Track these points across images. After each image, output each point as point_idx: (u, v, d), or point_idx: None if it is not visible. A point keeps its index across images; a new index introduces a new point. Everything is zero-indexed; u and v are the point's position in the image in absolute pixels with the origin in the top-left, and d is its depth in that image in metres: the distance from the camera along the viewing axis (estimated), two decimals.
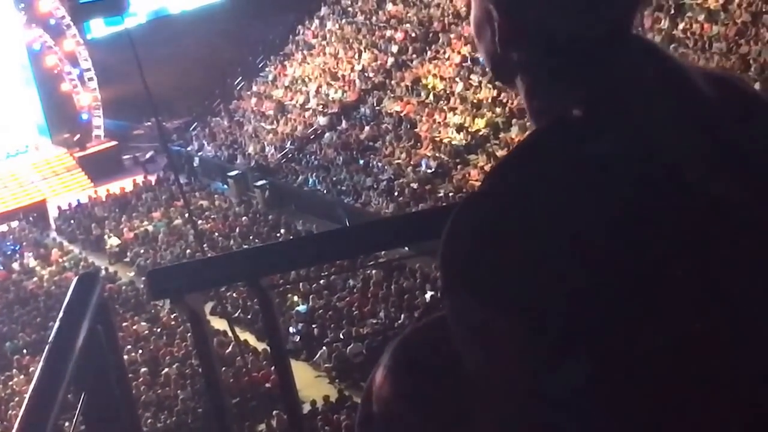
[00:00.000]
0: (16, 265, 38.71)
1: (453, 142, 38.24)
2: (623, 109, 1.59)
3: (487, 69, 1.79)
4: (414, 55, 44.13)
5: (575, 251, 1.51)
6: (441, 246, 1.59)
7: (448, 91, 40.88)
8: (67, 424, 2.83)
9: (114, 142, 50.81)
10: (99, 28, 51.58)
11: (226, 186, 43.30)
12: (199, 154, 47.22)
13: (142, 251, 37.62)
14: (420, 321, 1.83)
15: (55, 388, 2.52)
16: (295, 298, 29.75)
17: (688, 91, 1.64)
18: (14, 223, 43.61)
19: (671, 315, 1.50)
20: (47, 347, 2.70)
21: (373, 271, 29.92)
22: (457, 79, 40.80)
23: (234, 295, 30.10)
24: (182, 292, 3.26)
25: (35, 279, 36.82)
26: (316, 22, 50.34)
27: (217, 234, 37.02)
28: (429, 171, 37.45)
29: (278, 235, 35.51)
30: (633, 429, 1.50)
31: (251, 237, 36.01)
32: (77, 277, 3.09)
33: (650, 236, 1.52)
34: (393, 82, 43.77)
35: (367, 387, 1.79)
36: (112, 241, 39.07)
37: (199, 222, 37.68)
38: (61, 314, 2.84)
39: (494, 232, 1.56)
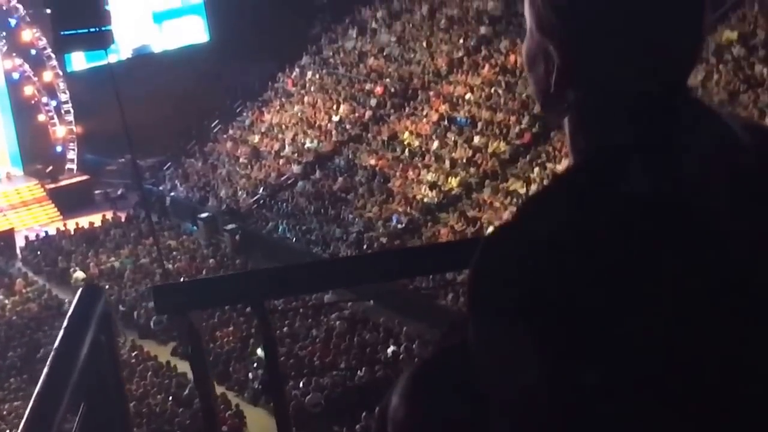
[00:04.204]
0: None
1: (425, 199, 38.33)
2: (663, 154, 1.64)
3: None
4: (392, 110, 44.32)
5: (602, 285, 1.56)
6: (471, 272, 1.64)
7: (423, 148, 41.03)
8: None
9: (86, 177, 50.66)
10: (79, 61, 51.57)
11: (195, 227, 43.13)
12: (171, 194, 47.12)
13: (107, 287, 37.32)
14: (439, 347, 1.86)
15: (59, 398, 2.49)
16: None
17: (729, 147, 1.69)
18: None
19: (689, 337, 1.56)
20: (51, 356, 2.67)
21: (337, 322, 29.88)
22: (434, 137, 40.98)
23: None
24: (186, 308, 3.28)
25: None
26: (297, 70, 50.54)
27: (184, 275, 36.81)
28: (399, 226, 37.46)
29: None
30: None
31: None
32: (81, 288, 3.09)
33: (676, 275, 1.57)
34: (369, 135, 43.90)
35: (382, 407, 1.82)
36: (78, 275, 38.72)
37: (166, 262, 37.49)
38: (65, 324, 2.81)
39: (524, 263, 1.60)
